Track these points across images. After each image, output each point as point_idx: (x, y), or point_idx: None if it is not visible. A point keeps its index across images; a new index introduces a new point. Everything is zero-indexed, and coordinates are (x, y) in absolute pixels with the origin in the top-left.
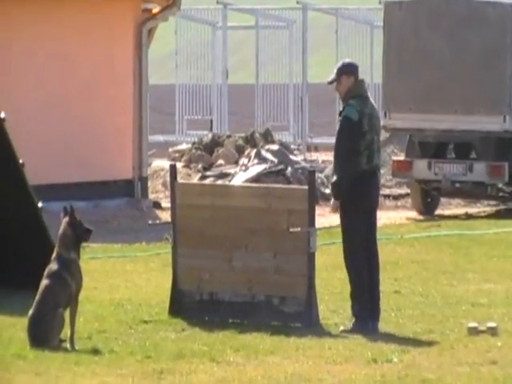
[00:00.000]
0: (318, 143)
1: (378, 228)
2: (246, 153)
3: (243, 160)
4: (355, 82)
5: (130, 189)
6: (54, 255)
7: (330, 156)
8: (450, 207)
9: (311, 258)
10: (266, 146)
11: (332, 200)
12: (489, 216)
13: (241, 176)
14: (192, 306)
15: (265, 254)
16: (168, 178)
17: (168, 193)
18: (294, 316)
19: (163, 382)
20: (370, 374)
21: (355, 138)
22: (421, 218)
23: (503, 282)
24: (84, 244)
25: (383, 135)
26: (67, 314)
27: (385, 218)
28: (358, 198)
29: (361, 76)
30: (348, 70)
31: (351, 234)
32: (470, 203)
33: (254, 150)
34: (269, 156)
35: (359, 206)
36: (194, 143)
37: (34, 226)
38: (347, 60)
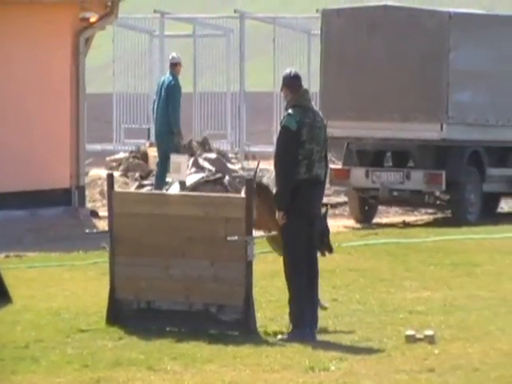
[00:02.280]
0: (255, 151)
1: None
2: None
3: None
4: (297, 93)
5: (68, 198)
6: None
7: (267, 164)
8: (388, 215)
9: (249, 266)
10: (204, 155)
11: (277, 211)
12: (426, 224)
13: (178, 185)
14: (129, 314)
15: (202, 262)
16: (105, 187)
17: (105, 201)
18: (232, 324)
19: None
20: (307, 381)
21: (293, 148)
22: (358, 226)
23: (440, 289)
24: (21, 253)
25: None
26: None
27: None
28: (298, 206)
29: None
30: (287, 82)
31: (293, 242)
32: (407, 211)
33: (192, 159)
34: (206, 165)
35: (299, 216)
36: (131, 152)
37: None
38: (292, 71)
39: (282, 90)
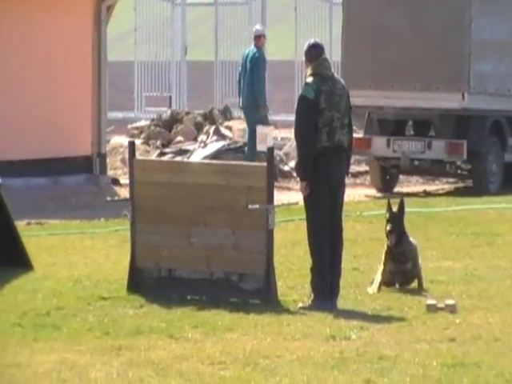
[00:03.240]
0: (276, 120)
1: None
2: (205, 130)
3: (202, 137)
4: (315, 62)
5: (89, 165)
6: None
7: (288, 133)
8: (409, 185)
9: (270, 234)
10: (225, 123)
11: (299, 182)
12: (447, 194)
13: (199, 153)
14: (150, 282)
15: (223, 230)
16: (127, 155)
17: (127, 169)
18: (253, 293)
19: (121, 359)
20: (328, 350)
21: (312, 116)
22: (379, 195)
23: (461, 259)
24: (42, 220)
25: None
26: None
27: None
28: (320, 175)
29: None
30: (306, 52)
31: (315, 211)
32: (428, 181)
33: (213, 127)
34: (228, 133)
35: (322, 184)
36: (152, 120)
37: None
38: (312, 41)
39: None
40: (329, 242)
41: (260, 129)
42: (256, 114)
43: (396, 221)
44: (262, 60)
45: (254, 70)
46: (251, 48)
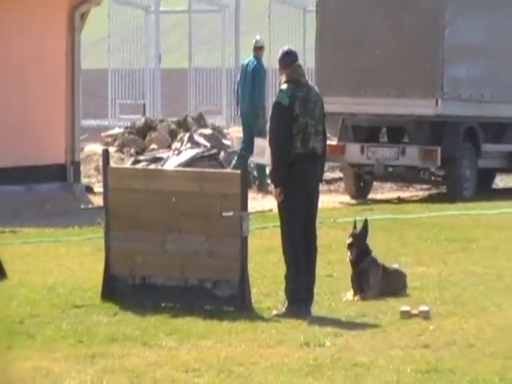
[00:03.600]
0: None
1: None
2: (179, 137)
3: (176, 144)
4: (289, 68)
5: (63, 173)
6: None
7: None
8: (383, 191)
9: (244, 241)
10: (199, 131)
11: (274, 188)
12: (421, 200)
13: (174, 160)
14: (125, 289)
15: (198, 237)
16: (101, 163)
17: (100, 177)
18: (227, 300)
19: (96, 366)
20: (302, 357)
21: (287, 123)
22: (353, 202)
23: (436, 265)
24: (16, 228)
25: None
26: None
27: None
28: (294, 181)
29: None
30: (279, 59)
31: (289, 217)
32: (402, 187)
33: (187, 135)
34: (202, 140)
35: (296, 190)
36: (126, 127)
37: None
38: (285, 48)
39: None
40: (303, 248)
41: (258, 141)
42: (255, 123)
43: (356, 237)
44: (262, 71)
45: (255, 81)
46: (251, 59)
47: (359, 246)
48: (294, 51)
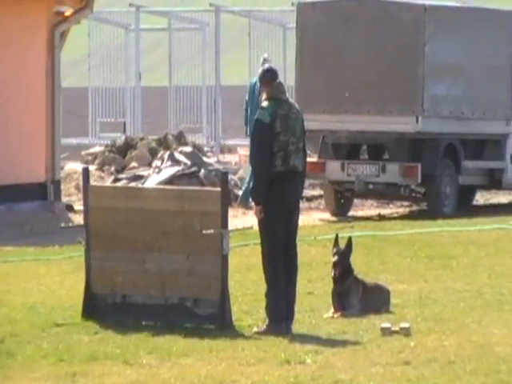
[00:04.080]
0: (231, 145)
1: None
2: (159, 155)
3: (156, 162)
4: (270, 86)
5: (43, 192)
6: None
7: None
8: (363, 208)
9: (224, 259)
10: (179, 148)
11: (254, 206)
12: (402, 217)
13: (154, 178)
14: (105, 308)
15: (178, 256)
16: (81, 181)
17: (81, 196)
18: (208, 318)
19: None
20: (283, 375)
21: (268, 141)
22: (334, 219)
23: (416, 282)
24: None
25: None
26: None
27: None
28: (275, 198)
29: None
30: (260, 77)
31: (269, 236)
32: (383, 204)
33: (167, 153)
34: (182, 158)
35: (276, 208)
36: (107, 146)
37: None
38: (266, 65)
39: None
40: (283, 266)
41: None
42: None
43: (341, 255)
44: None
45: None
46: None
47: (343, 264)
48: (274, 69)
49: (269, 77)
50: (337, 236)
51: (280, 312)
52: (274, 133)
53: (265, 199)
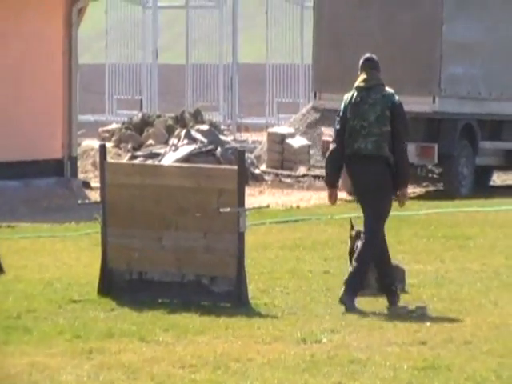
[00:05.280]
0: (247, 123)
1: (308, 208)
2: (176, 133)
3: (173, 140)
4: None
5: (60, 168)
6: None
7: (260, 136)
8: None
9: (241, 237)
10: (196, 126)
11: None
12: (418, 197)
13: (171, 156)
14: (121, 285)
15: (194, 233)
16: (98, 158)
17: (97, 172)
18: (224, 296)
19: (92, 362)
20: (299, 353)
21: (340, 127)
22: (350, 198)
23: (433, 262)
24: (13, 223)
25: (313, 116)
26: None
27: (315, 198)
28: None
29: (291, 57)
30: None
31: (386, 217)
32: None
33: (184, 130)
34: (199, 136)
35: (353, 190)
36: (123, 123)
37: None
38: (366, 55)
39: None
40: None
41: None
42: None
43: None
44: None
45: None
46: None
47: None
48: (368, 58)
49: (362, 65)
50: (351, 220)
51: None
52: (346, 120)
53: (334, 182)
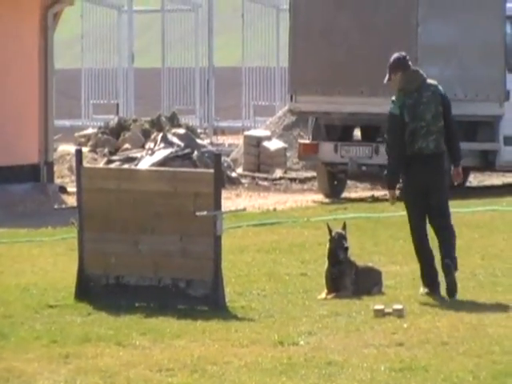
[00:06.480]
0: (224, 127)
1: (285, 211)
2: (153, 137)
3: (149, 144)
4: (402, 75)
5: (36, 173)
6: None
7: (236, 139)
8: (357, 190)
9: (217, 240)
10: (173, 130)
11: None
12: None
13: (147, 160)
14: (98, 290)
15: (171, 237)
16: (74, 163)
17: (74, 177)
18: (201, 299)
19: (69, 366)
20: (276, 356)
21: (398, 130)
22: (327, 200)
23: (409, 263)
24: None
25: (289, 119)
26: None
27: (291, 201)
28: (406, 182)
29: (267, 60)
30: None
31: (407, 214)
32: (376, 186)
33: (161, 134)
34: (175, 140)
35: (407, 190)
36: (100, 127)
37: None
38: (395, 55)
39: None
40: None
41: None
42: None
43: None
44: None
45: None
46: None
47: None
48: (397, 58)
49: (391, 67)
50: (328, 225)
51: (424, 279)
52: (404, 123)
53: (395, 184)
